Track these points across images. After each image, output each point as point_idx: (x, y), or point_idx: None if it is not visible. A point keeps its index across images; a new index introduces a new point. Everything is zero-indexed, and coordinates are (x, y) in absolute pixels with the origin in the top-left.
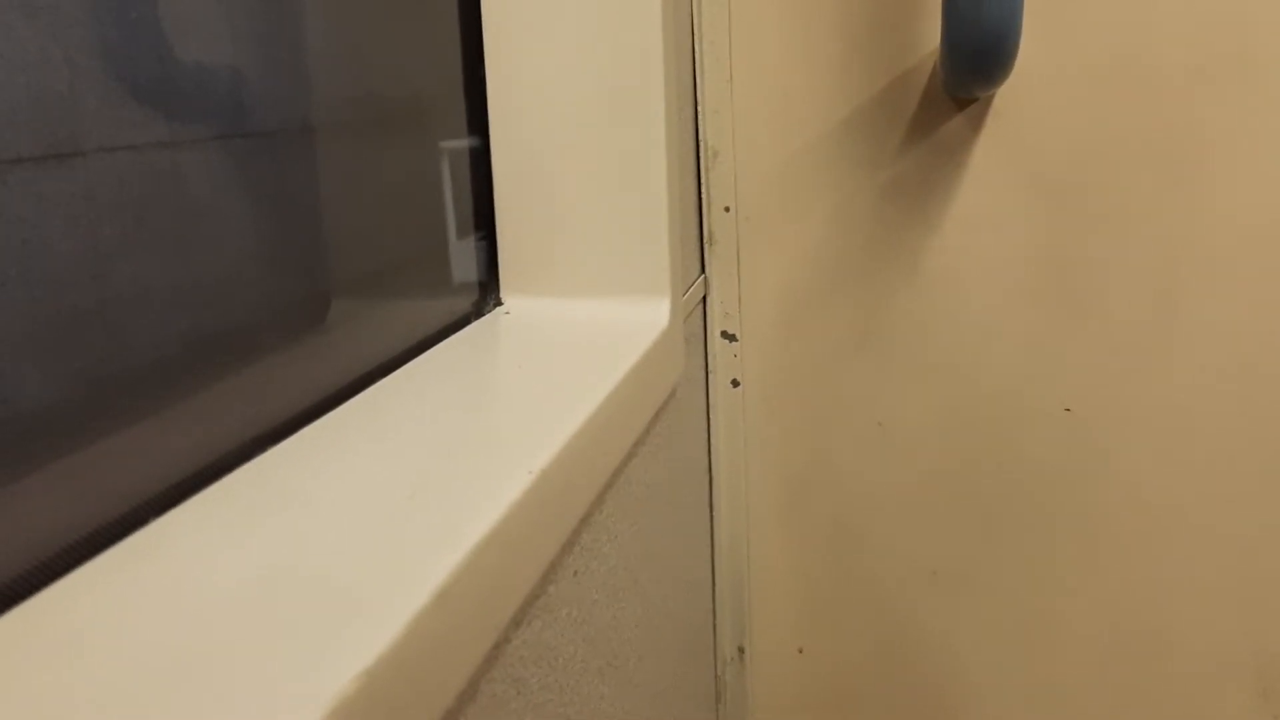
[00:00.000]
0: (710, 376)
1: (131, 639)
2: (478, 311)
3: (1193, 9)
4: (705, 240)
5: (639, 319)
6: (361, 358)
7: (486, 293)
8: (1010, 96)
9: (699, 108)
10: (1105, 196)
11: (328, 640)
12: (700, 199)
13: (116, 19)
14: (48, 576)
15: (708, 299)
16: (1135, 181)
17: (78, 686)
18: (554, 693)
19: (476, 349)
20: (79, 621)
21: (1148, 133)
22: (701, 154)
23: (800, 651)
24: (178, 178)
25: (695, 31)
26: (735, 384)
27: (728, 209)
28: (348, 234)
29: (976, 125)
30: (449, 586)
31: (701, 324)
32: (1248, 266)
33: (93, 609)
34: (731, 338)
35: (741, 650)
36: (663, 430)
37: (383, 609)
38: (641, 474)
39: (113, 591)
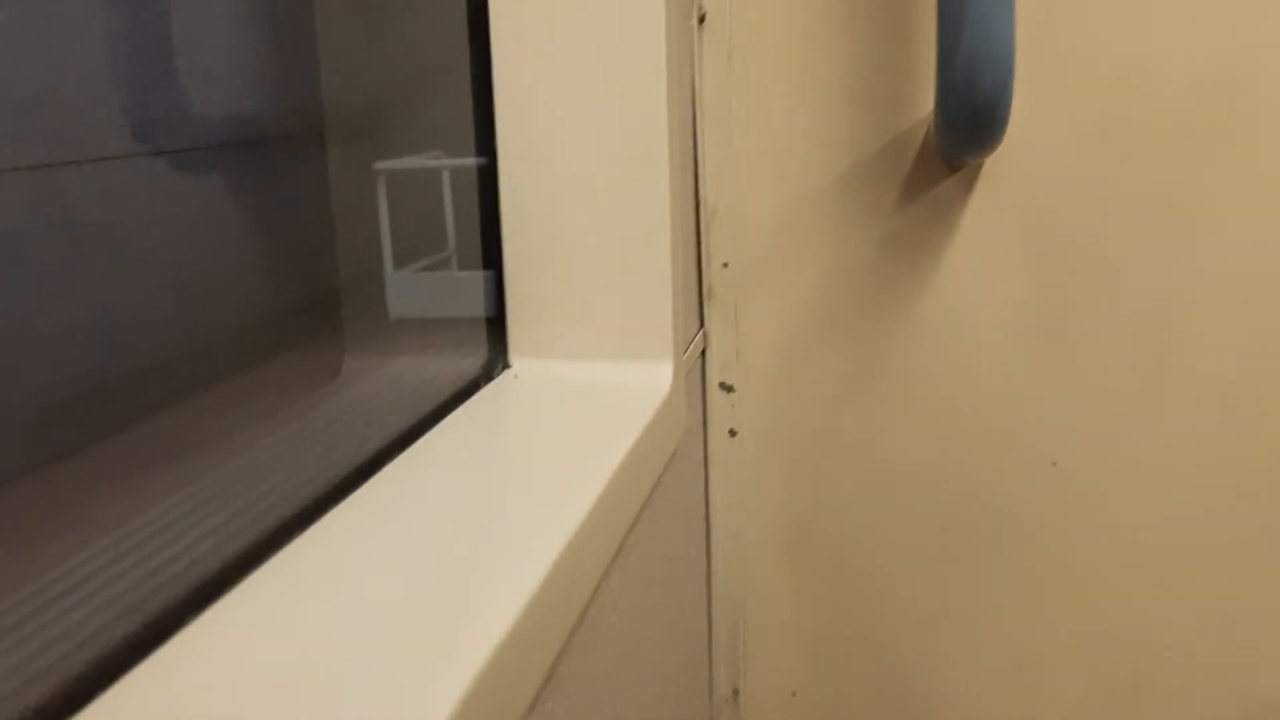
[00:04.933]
0: (708, 427)
1: None
2: (487, 374)
3: (1179, 71)
4: (705, 295)
5: (642, 383)
6: (378, 425)
7: (495, 354)
8: (1001, 159)
9: (699, 167)
10: (1094, 255)
11: None
12: (700, 255)
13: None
14: (90, 690)
15: (706, 352)
16: (1123, 240)
17: None
18: None
19: (488, 423)
20: None
21: (1135, 193)
22: (701, 211)
23: (794, 695)
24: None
25: (696, 92)
26: (733, 434)
27: (726, 264)
28: (362, 295)
29: (968, 186)
30: (470, 694)
31: (700, 376)
32: (1234, 322)
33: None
34: (729, 389)
35: (736, 692)
36: (664, 489)
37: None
38: (645, 536)
39: (153, 697)
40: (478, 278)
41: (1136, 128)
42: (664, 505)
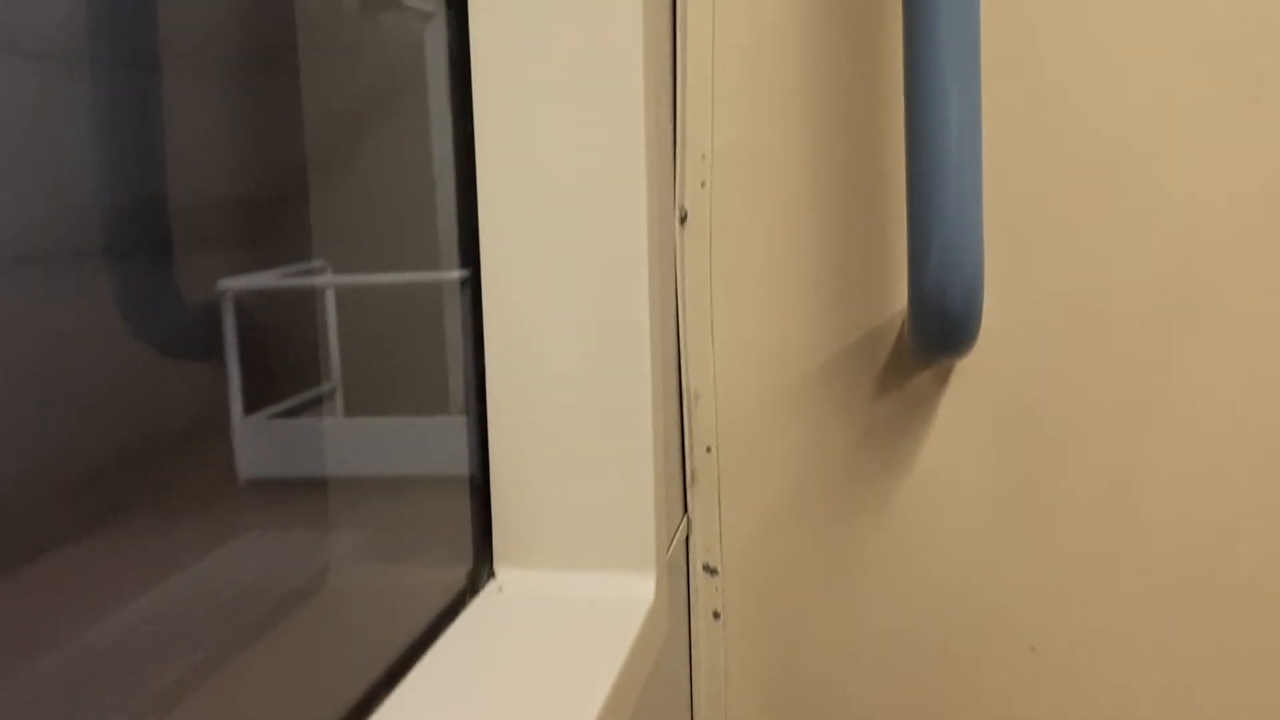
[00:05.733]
0: (692, 610)
1: None
2: (473, 586)
3: (1144, 265)
4: (688, 480)
5: (627, 595)
6: (366, 649)
7: (481, 564)
8: (973, 356)
9: (682, 354)
10: (1064, 445)
11: None
12: (683, 439)
13: None
14: None
15: (690, 537)
16: (1093, 427)
17: None
18: None
19: (479, 652)
20: None
21: (1104, 381)
22: (685, 397)
23: None
24: None
25: (679, 285)
26: (716, 616)
27: (709, 449)
28: (354, 507)
29: (943, 379)
30: None
31: (684, 558)
32: (1200, 506)
33: None
34: (713, 571)
35: None
36: (649, 685)
37: None
38: None
39: None
40: (465, 494)
41: (1104, 325)
42: (649, 701)
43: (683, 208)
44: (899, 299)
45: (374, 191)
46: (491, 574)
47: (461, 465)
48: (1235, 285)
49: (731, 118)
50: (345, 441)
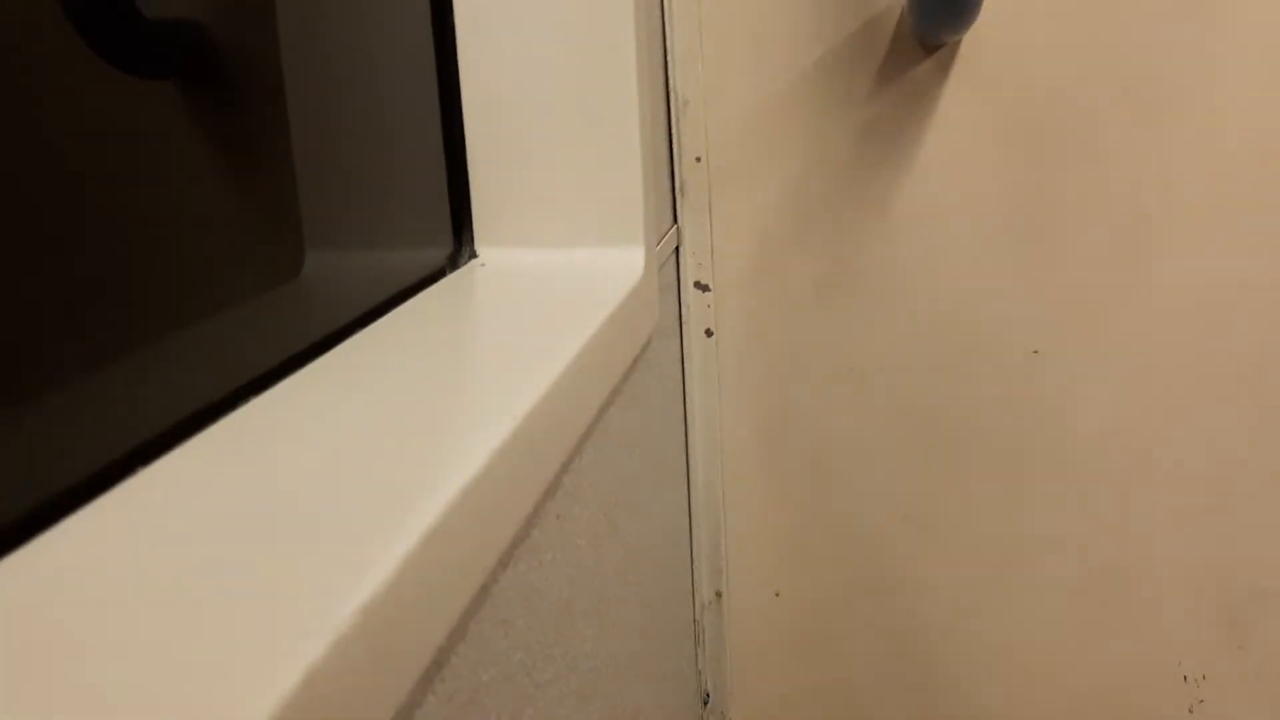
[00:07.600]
0: (684, 327)
1: (124, 578)
2: (453, 263)
3: None
4: (677, 190)
5: (614, 269)
6: (339, 310)
7: (461, 245)
8: (977, 39)
9: (668, 56)
10: (1073, 137)
11: (323, 579)
12: (671, 149)
13: None
14: (32, 527)
15: (680, 250)
16: (1103, 121)
17: (74, 625)
18: (539, 633)
19: (454, 301)
20: (69, 565)
21: (1114, 72)
22: (672, 103)
23: (777, 595)
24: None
25: None
26: (709, 334)
27: (699, 159)
28: (322, 186)
29: (945, 68)
30: (438, 528)
31: (675, 274)
32: (1215, 205)
33: (82, 553)
34: (704, 288)
35: (719, 594)
36: (638, 380)
37: (375, 550)
38: (619, 421)
39: (102, 536)
40: (442, 173)
41: (1114, 4)
42: (639, 397)
43: None
44: None
45: None
46: (473, 254)
47: (435, 151)
48: None
49: None
50: None
